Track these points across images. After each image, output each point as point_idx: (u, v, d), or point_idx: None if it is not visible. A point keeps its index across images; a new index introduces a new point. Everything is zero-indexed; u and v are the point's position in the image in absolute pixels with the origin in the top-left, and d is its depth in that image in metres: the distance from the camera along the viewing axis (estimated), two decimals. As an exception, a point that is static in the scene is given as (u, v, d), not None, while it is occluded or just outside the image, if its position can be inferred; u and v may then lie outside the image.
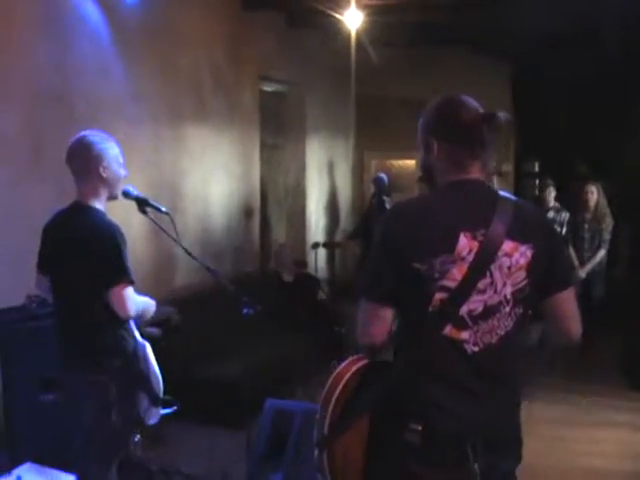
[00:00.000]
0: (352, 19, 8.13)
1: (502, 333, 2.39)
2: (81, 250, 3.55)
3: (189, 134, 7.47)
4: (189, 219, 7.40)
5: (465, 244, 2.33)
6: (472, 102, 2.52)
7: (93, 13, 5.99)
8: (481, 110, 2.49)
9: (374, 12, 8.22)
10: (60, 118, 5.54)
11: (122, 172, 3.73)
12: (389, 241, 2.40)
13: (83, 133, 3.70)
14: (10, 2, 5.24)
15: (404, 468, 2.34)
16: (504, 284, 2.38)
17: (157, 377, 3.77)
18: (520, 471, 2.49)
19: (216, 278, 4.04)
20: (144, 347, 3.77)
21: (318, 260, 10.35)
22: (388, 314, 2.41)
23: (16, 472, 4.28)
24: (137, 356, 3.69)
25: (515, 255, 2.39)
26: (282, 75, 9.64)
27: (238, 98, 8.51)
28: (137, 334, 3.77)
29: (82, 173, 3.65)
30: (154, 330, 5.75)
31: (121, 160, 3.73)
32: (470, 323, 2.36)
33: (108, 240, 3.52)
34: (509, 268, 2.38)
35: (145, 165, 6.64)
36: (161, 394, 3.77)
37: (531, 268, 2.40)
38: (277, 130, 10.18)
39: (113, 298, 3.48)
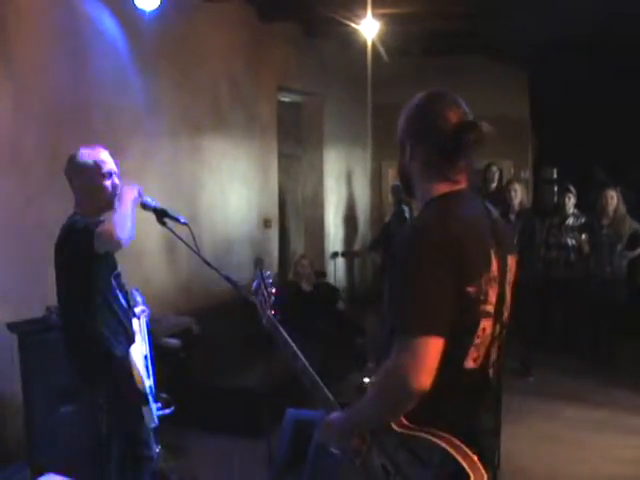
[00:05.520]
0: (368, 28, 8.14)
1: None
2: (56, 256, 3.68)
3: (207, 146, 7.50)
4: (208, 230, 7.42)
5: (495, 261, 2.21)
6: (459, 103, 2.29)
7: (111, 28, 6.03)
8: (468, 112, 2.27)
9: (390, 21, 8.23)
10: (78, 132, 5.57)
11: (108, 182, 3.77)
12: (438, 261, 2.07)
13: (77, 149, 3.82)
14: (28, 18, 5.29)
15: None
16: (510, 300, 2.33)
17: (140, 375, 3.77)
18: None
19: (235, 288, 4.04)
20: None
21: (337, 270, 10.34)
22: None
23: (37, 483, 4.30)
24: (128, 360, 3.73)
25: (513, 268, 2.34)
26: (299, 85, 9.66)
27: (256, 109, 8.53)
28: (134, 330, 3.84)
29: (72, 186, 3.78)
30: (174, 341, 5.77)
31: (107, 169, 3.77)
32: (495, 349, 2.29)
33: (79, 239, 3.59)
34: (511, 283, 2.33)
35: (164, 177, 6.67)
36: (149, 392, 3.80)
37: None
38: (295, 140, 10.20)
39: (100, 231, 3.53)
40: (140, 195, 3.71)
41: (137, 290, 4.28)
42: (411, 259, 2.11)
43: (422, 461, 2.15)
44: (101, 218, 3.73)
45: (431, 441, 2.14)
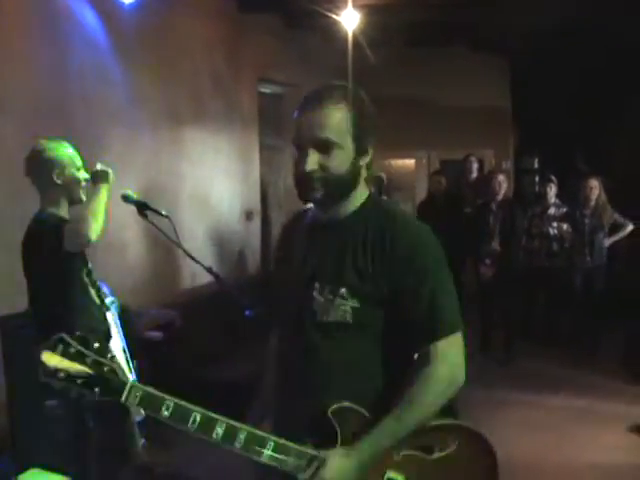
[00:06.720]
0: (349, 19, 8.13)
1: None
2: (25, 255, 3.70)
3: (188, 138, 7.47)
4: (189, 222, 7.40)
5: None
6: None
7: (91, 20, 5.99)
8: None
9: (371, 12, 8.23)
10: (59, 125, 5.52)
11: (80, 175, 3.75)
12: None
13: (36, 142, 3.77)
14: (8, 10, 5.24)
15: None
16: None
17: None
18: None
19: (218, 281, 4.04)
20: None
21: (320, 261, 10.33)
22: None
23: (21, 478, 4.28)
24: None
25: None
26: (280, 77, 9.63)
27: (237, 101, 8.52)
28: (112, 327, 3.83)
29: (38, 182, 3.72)
30: (156, 334, 5.75)
31: (78, 163, 3.76)
32: None
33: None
34: None
35: (145, 169, 6.65)
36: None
37: None
38: (276, 132, 10.16)
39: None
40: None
41: (103, 282, 4.26)
42: (438, 261, 2.17)
43: (444, 444, 2.17)
44: (68, 215, 3.72)
45: (447, 424, 2.21)
